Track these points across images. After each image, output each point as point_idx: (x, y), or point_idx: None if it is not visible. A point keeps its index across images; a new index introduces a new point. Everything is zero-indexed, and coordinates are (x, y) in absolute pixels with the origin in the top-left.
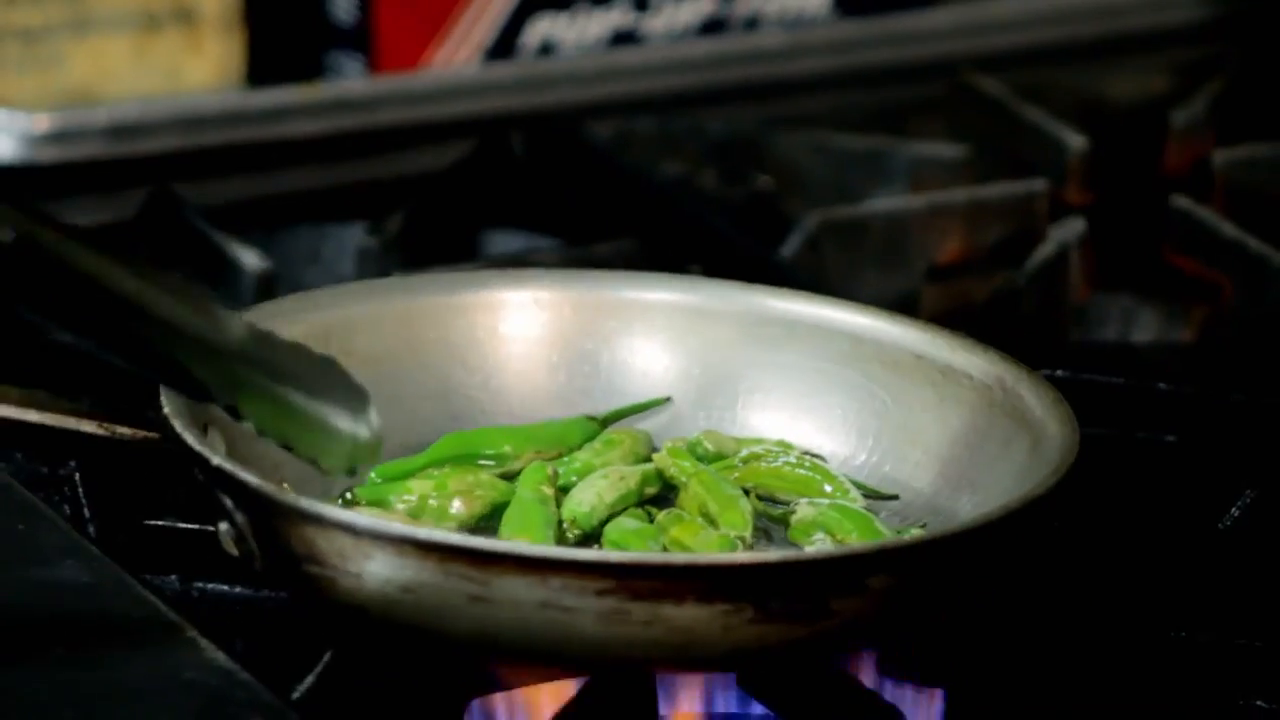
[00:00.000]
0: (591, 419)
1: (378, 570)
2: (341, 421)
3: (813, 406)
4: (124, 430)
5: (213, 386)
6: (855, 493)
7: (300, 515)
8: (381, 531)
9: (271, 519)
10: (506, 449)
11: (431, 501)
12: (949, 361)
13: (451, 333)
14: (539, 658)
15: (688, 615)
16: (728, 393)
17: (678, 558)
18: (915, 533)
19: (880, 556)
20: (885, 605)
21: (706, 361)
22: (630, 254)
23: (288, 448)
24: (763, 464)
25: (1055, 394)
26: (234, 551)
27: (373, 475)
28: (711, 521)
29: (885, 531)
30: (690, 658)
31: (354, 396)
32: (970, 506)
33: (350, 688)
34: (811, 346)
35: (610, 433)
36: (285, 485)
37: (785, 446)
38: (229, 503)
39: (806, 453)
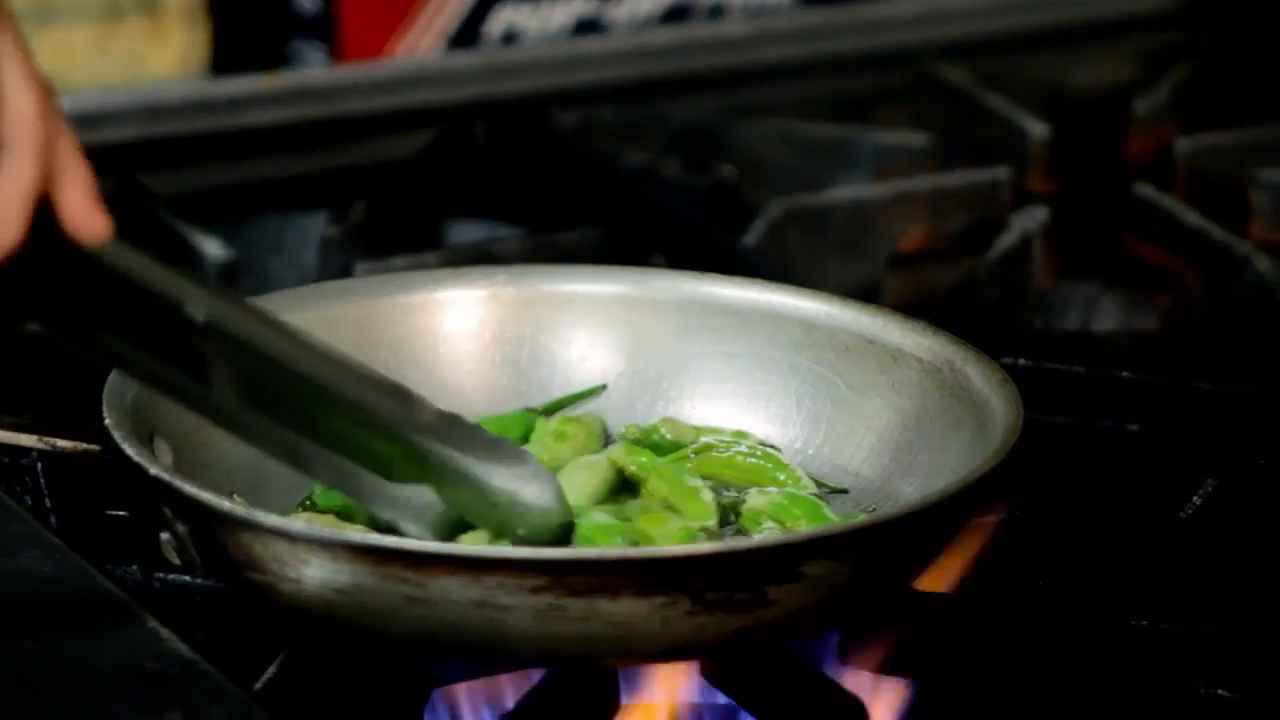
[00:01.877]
0: (531, 411)
1: (315, 575)
2: (528, 497)
3: (767, 394)
4: (64, 443)
5: (399, 465)
6: (807, 480)
7: (236, 523)
8: (315, 537)
9: (209, 527)
10: None
11: None
12: (899, 345)
13: (405, 333)
14: (482, 655)
15: (625, 609)
16: (682, 383)
17: (610, 552)
18: (861, 519)
19: (815, 544)
20: (825, 591)
21: (660, 353)
22: (594, 242)
23: (470, 521)
24: (715, 454)
25: (1002, 374)
26: (176, 560)
27: (317, 497)
28: (676, 513)
29: (833, 518)
30: (633, 650)
31: (540, 477)
32: (916, 489)
33: (312, 679)
34: (764, 334)
35: (560, 425)
36: (235, 495)
37: (741, 435)
38: (168, 512)
39: (762, 443)
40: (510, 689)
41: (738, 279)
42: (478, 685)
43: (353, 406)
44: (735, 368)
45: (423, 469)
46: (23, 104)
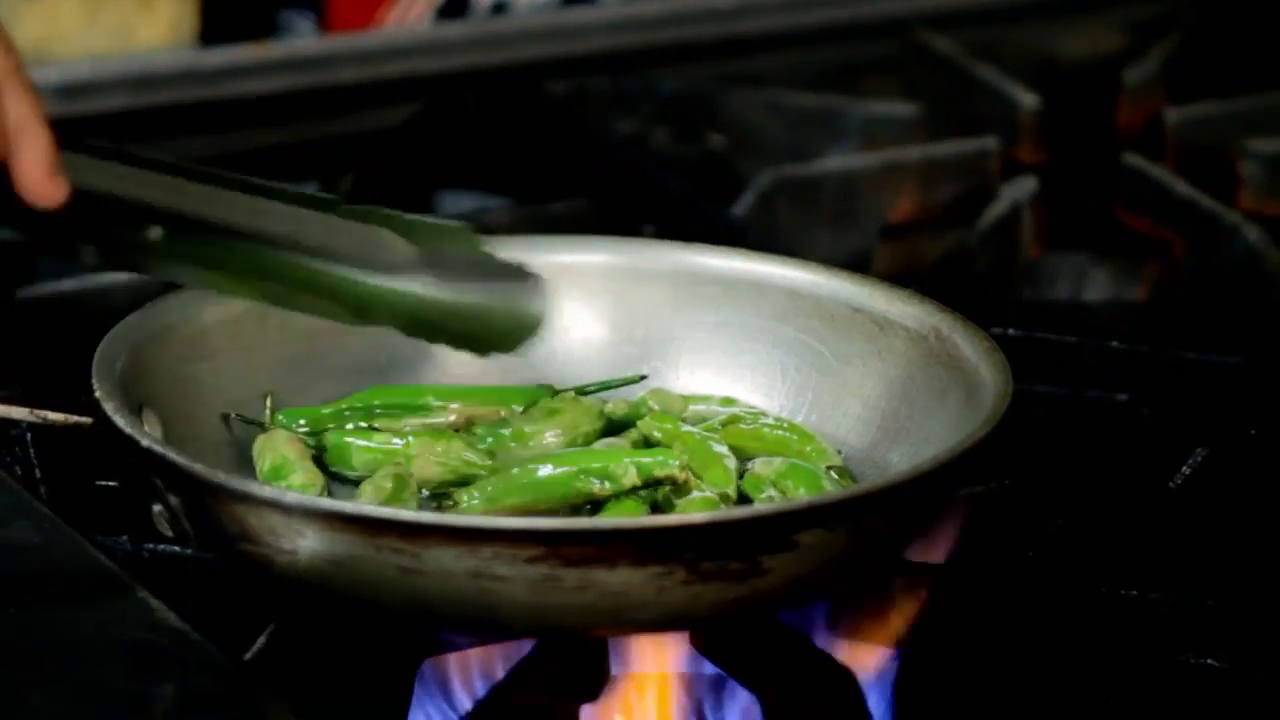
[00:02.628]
0: (545, 388)
1: (309, 546)
2: (507, 301)
3: (753, 363)
4: (55, 416)
5: (370, 309)
6: (833, 454)
7: (230, 494)
8: (310, 507)
9: (202, 499)
10: (428, 400)
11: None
12: (885, 313)
13: None
14: (475, 626)
15: (620, 579)
16: (669, 352)
17: (606, 522)
18: (854, 488)
19: (809, 513)
20: (819, 560)
21: (645, 322)
22: (583, 213)
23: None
24: (743, 426)
25: (990, 342)
26: (168, 532)
27: (279, 418)
28: (697, 479)
29: (829, 487)
30: (627, 621)
31: (516, 275)
32: (904, 458)
33: (302, 649)
34: (749, 303)
35: (554, 401)
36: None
37: (729, 402)
38: (160, 484)
39: (751, 409)
40: (500, 660)
41: (723, 248)
42: (468, 656)
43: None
44: (721, 337)
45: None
46: None
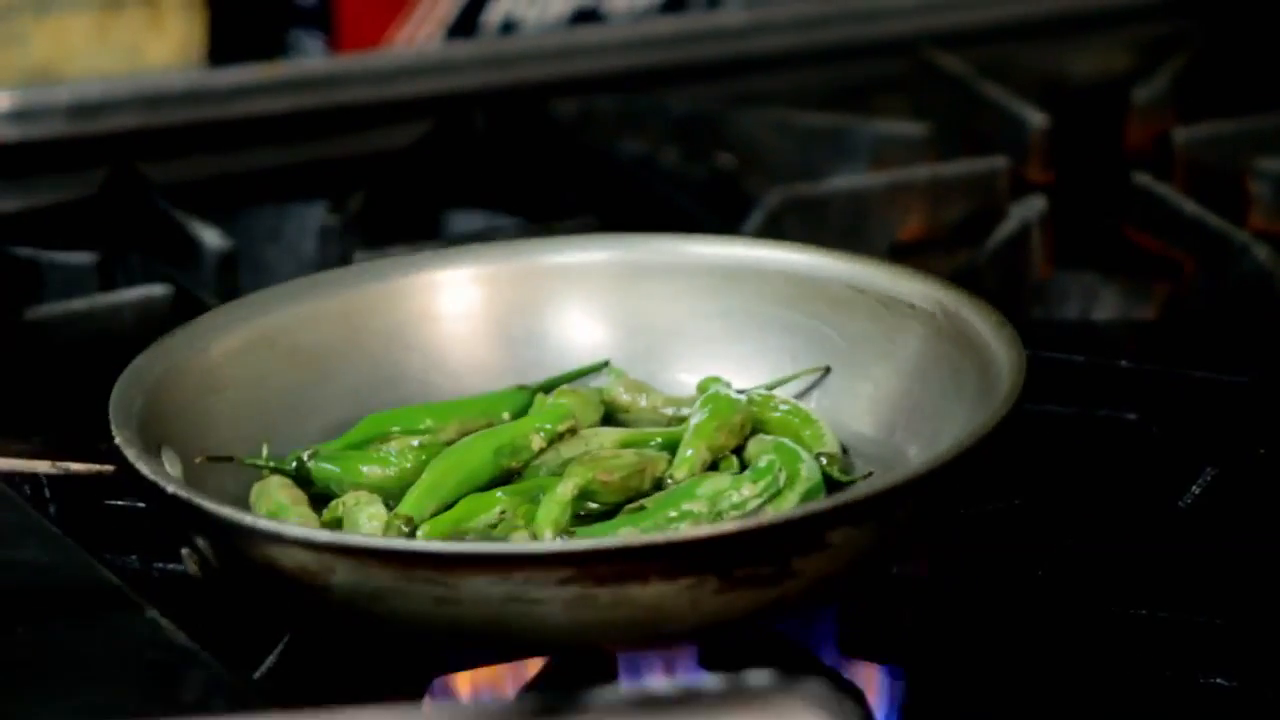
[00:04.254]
0: (523, 389)
1: (343, 582)
2: None
3: (760, 350)
4: (78, 466)
5: None
6: (831, 440)
7: (261, 536)
8: (342, 545)
9: (232, 541)
10: (427, 423)
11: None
12: (891, 291)
13: (392, 319)
14: (509, 647)
15: (653, 593)
16: (676, 347)
17: (636, 539)
18: (877, 483)
19: (839, 512)
20: (847, 558)
21: (649, 317)
22: (592, 231)
23: None
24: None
25: (999, 316)
26: (197, 573)
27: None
28: (804, 445)
29: (808, 466)
30: (660, 634)
31: None
32: (922, 444)
33: (312, 668)
34: (750, 290)
35: (556, 399)
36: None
37: (713, 381)
38: (188, 528)
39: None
40: (511, 677)
41: (719, 237)
42: (478, 674)
43: None
44: (726, 326)
45: None
46: None
